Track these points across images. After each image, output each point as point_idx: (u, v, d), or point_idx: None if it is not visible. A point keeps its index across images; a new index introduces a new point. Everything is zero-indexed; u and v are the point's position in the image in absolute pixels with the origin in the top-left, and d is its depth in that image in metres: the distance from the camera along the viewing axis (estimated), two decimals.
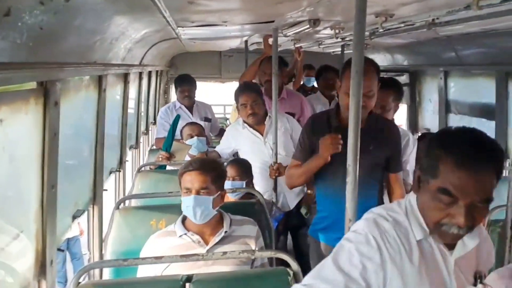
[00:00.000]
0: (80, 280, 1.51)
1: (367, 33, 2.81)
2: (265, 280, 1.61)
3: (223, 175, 1.92)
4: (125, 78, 3.43)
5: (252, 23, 2.71)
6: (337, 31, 3.04)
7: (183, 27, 2.70)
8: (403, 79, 4.38)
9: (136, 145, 4.48)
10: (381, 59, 4.54)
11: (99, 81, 2.47)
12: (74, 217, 2.11)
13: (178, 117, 3.29)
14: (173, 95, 6.73)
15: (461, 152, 1.06)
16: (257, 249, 1.84)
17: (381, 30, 2.65)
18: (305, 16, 2.35)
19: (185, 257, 1.62)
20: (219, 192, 1.84)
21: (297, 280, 1.59)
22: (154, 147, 4.09)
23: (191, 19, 2.36)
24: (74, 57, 1.70)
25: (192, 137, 3.06)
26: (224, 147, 3.05)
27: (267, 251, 1.85)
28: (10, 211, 1.38)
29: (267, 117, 2.93)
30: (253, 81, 3.68)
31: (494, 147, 1.08)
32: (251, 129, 2.91)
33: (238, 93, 2.91)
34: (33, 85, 1.45)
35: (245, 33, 3.61)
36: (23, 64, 1.20)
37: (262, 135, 2.91)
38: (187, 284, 1.55)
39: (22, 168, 1.44)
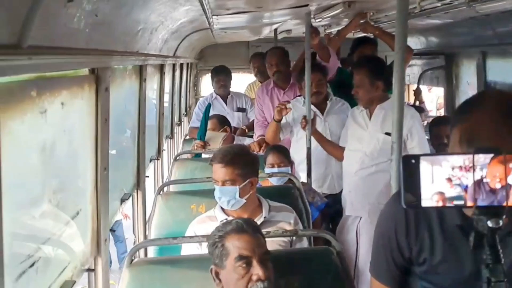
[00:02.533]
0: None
1: None
2: (309, 259, 1.63)
3: (252, 162, 1.88)
4: (161, 69, 3.52)
5: (285, 8, 2.71)
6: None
7: (217, 15, 2.74)
8: (439, 61, 4.26)
9: (171, 135, 4.60)
10: (415, 42, 4.43)
11: (140, 71, 2.55)
12: (122, 201, 2.20)
13: (209, 106, 3.39)
14: (203, 88, 6.83)
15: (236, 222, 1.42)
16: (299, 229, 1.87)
17: (417, 11, 2.58)
18: None
19: None
20: (248, 180, 1.81)
21: (341, 259, 1.61)
22: (188, 137, 4.19)
23: (227, 6, 2.39)
24: (120, 46, 1.76)
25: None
26: (284, 122, 3.00)
27: (309, 230, 1.87)
28: (69, 191, 1.47)
29: (329, 98, 2.98)
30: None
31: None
32: (312, 106, 2.90)
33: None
34: (85, 71, 1.53)
35: (277, 20, 3.61)
36: (80, 50, 1.26)
37: (322, 114, 2.96)
38: None
39: (78, 151, 1.53)
